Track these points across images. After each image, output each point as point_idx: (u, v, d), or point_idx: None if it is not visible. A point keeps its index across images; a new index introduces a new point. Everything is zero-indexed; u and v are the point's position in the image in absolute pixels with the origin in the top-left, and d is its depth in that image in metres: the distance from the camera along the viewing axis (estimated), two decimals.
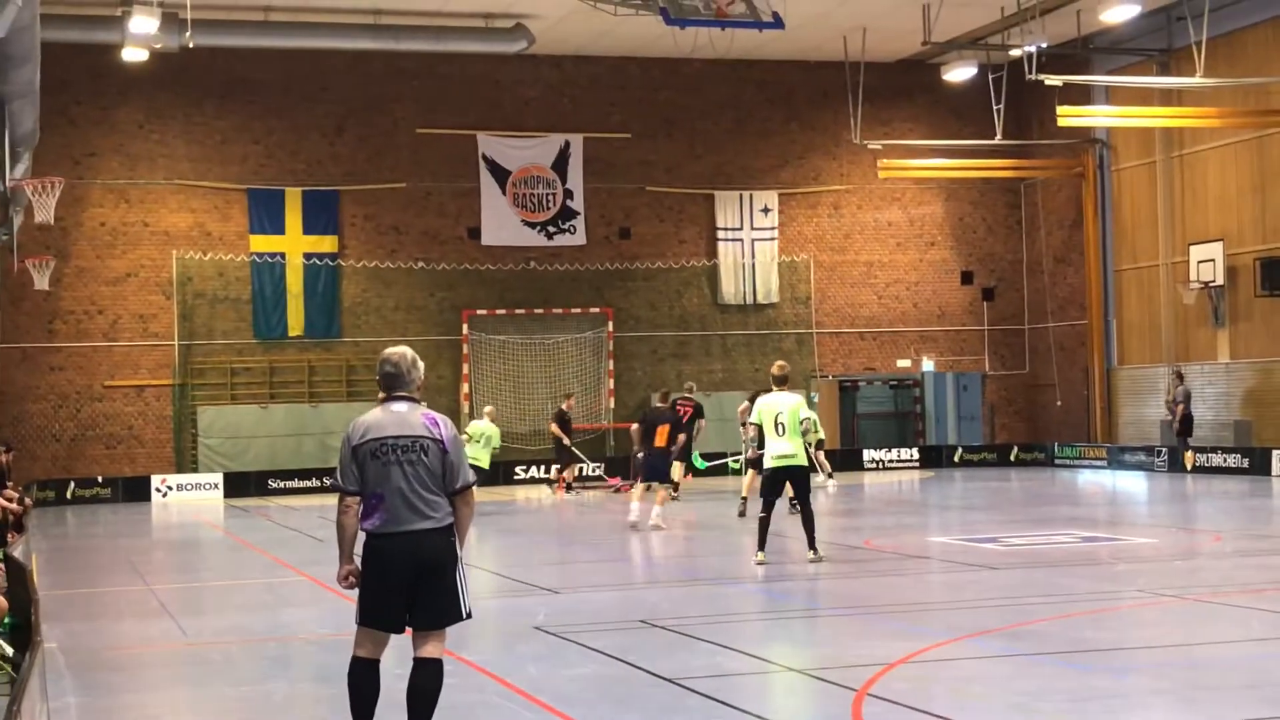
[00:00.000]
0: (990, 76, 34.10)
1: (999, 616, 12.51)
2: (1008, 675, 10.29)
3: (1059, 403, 38.55)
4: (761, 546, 16.50)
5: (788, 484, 16.73)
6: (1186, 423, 32.40)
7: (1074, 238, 38.29)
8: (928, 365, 39.36)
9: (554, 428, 31.45)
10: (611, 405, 36.54)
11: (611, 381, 36.74)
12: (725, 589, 15.34)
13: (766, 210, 38.23)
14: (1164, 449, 33.92)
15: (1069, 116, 31.37)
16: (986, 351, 39.78)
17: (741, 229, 38.11)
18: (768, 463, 16.49)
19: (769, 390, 17.10)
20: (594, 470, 34.85)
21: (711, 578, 16.49)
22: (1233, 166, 33.39)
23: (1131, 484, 30.70)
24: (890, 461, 37.57)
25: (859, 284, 39.27)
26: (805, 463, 16.53)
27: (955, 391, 38.61)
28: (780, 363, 17.30)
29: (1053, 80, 30.40)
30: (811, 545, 16.57)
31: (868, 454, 37.71)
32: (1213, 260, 33.22)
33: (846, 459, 36.96)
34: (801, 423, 16.54)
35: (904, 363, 39.39)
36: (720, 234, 38.03)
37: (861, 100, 34.85)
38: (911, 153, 36.48)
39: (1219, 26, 31.23)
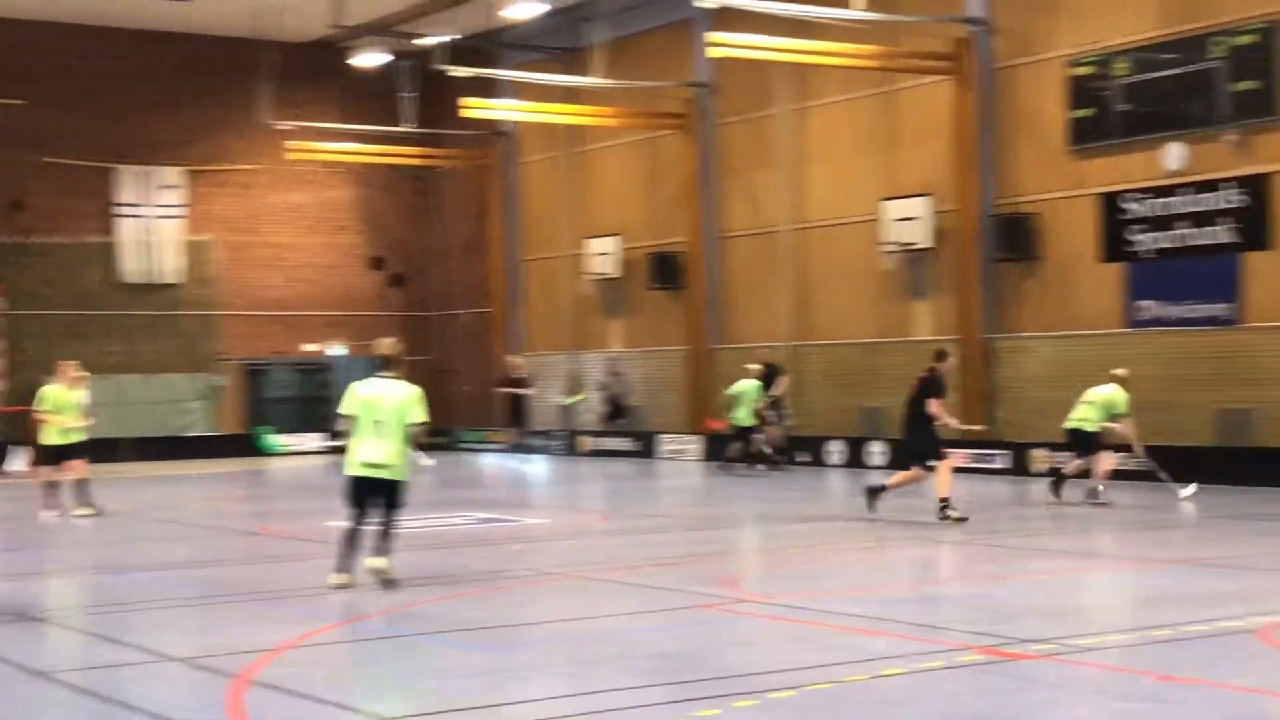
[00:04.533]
0: (401, 65, 34.33)
1: (389, 599, 12.62)
2: (392, 656, 10.39)
3: (465, 388, 39.36)
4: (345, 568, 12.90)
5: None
6: (619, 408, 33.97)
7: (481, 227, 39.18)
8: (338, 350, 39.26)
9: None
10: (2, 387, 34.39)
11: (3, 362, 34.55)
12: (114, 579, 14.75)
13: (171, 187, 37.01)
14: (563, 433, 35.30)
15: (474, 109, 32.03)
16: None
17: (143, 205, 36.73)
18: (349, 468, 12.86)
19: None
20: None
21: (104, 569, 15.81)
22: (629, 164, 35.10)
23: (532, 467, 31.76)
24: (297, 447, 37.27)
25: (268, 266, 38.70)
26: (402, 476, 12.81)
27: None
28: (389, 340, 13.65)
29: (459, 72, 30.96)
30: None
31: (277, 439, 37.33)
32: (609, 254, 34.82)
33: (251, 444, 36.65)
34: (410, 426, 12.83)
35: (312, 346, 39.12)
36: (120, 209, 36.51)
37: (272, 80, 34.33)
38: (321, 135, 36.24)
39: (620, 29, 32.75)
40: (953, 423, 18.50)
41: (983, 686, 8.89)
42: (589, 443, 34.38)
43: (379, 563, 12.72)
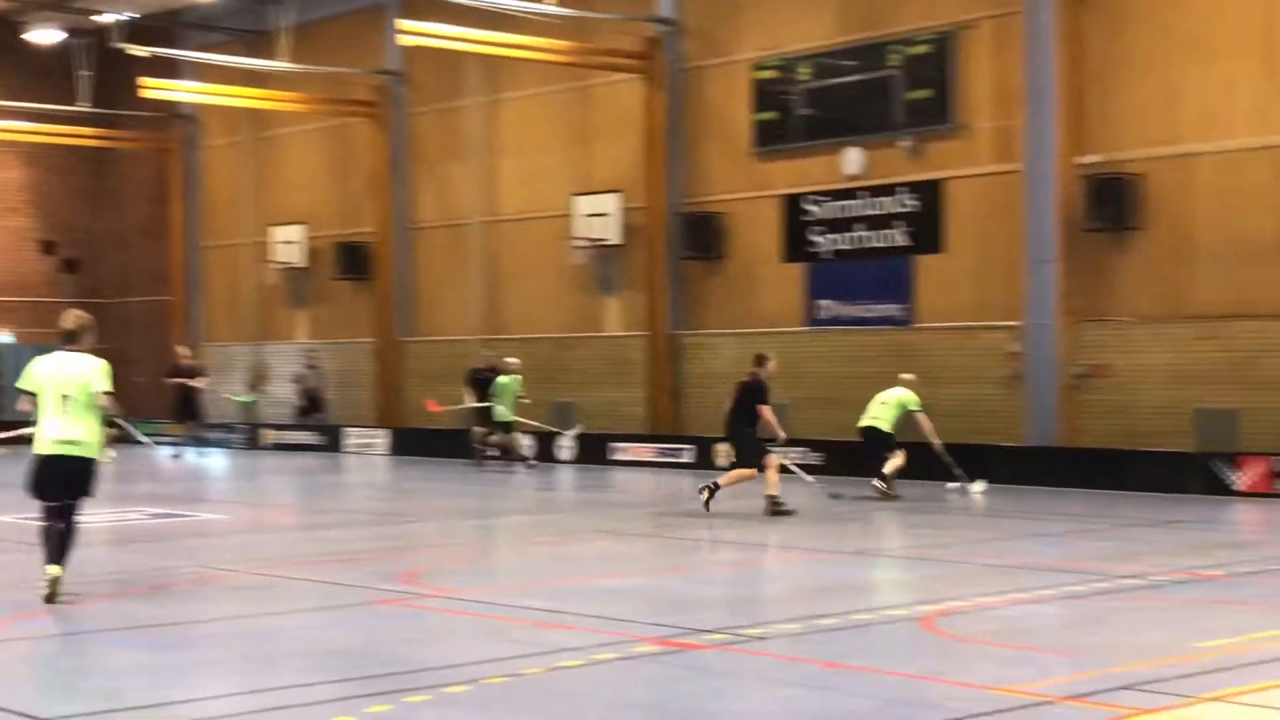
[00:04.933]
0: (77, 42, 32.98)
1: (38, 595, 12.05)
2: (59, 655, 9.98)
3: (140, 379, 38.01)
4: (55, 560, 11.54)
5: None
6: (315, 401, 33.01)
7: (161, 212, 37.95)
8: (6, 337, 37.52)
9: None
10: None
11: None
12: None
13: None
14: (245, 426, 34.47)
15: (153, 89, 31.01)
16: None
17: None
18: (38, 447, 11.63)
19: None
20: None
21: None
22: (315, 151, 34.49)
23: (213, 461, 30.89)
24: None
25: None
26: (95, 454, 11.70)
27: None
28: (76, 313, 11.95)
29: (137, 51, 29.87)
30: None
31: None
32: (294, 242, 34.15)
33: None
34: (97, 397, 11.55)
35: None
36: None
37: None
38: None
39: (309, 13, 32.14)
40: (780, 435, 18.52)
41: (654, 677, 8.99)
42: (272, 436, 33.64)
43: (55, 570, 11.47)
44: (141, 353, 38.24)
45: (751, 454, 18.33)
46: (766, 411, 18.17)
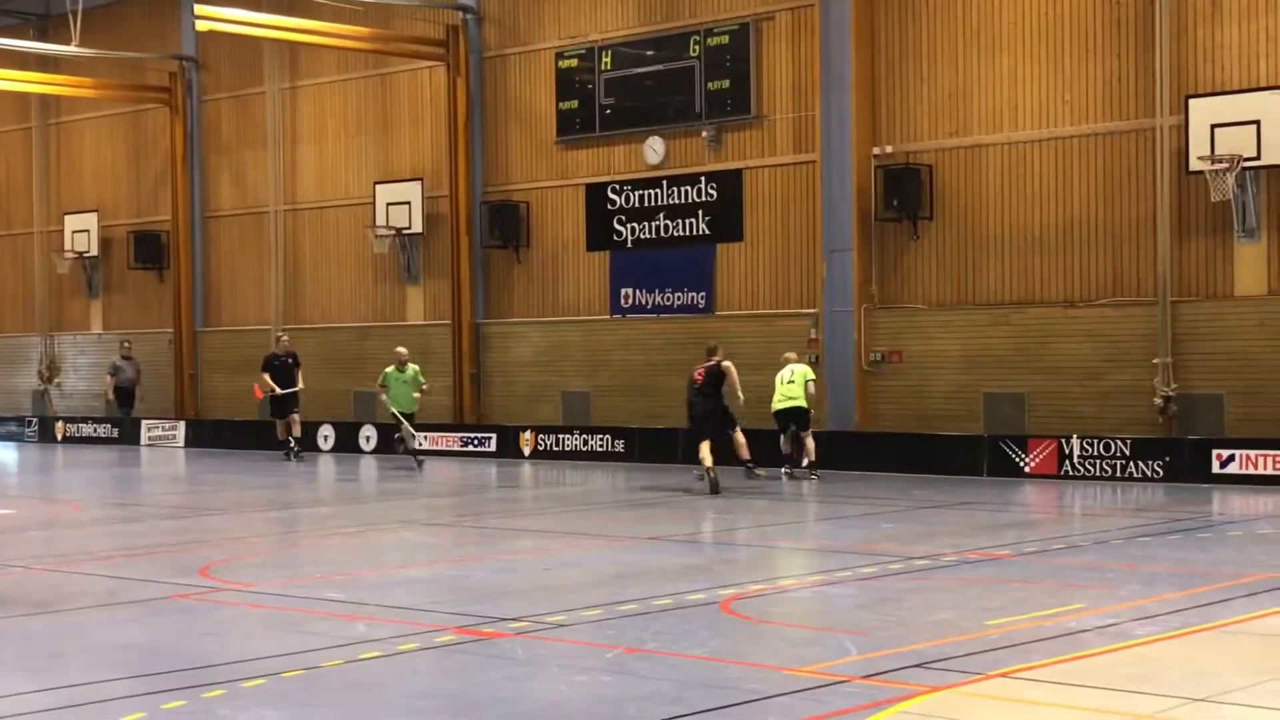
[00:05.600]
0: None
1: None
2: None
3: None
4: None
5: None
6: (127, 394, 31.76)
7: None
8: None
9: None
10: None
11: None
12: None
13: None
14: (35, 419, 33.51)
15: None
16: None
17: None
18: None
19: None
20: None
21: None
22: (109, 139, 33.64)
23: (2, 454, 29.98)
24: None
25: None
26: None
27: None
28: None
29: None
30: None
31: None
32: (87, 231, 33.28)
33: None
34: None
35: None
36: None
37: None
38: None
39: None
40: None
41: (456, 665, 8.99)
42: (65, 429, 32.73)
43: None
44: None
45: (730, 423, 20.31)
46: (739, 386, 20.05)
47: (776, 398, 21.23)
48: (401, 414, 24.24)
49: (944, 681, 8.21)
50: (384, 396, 24.40)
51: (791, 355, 21.61)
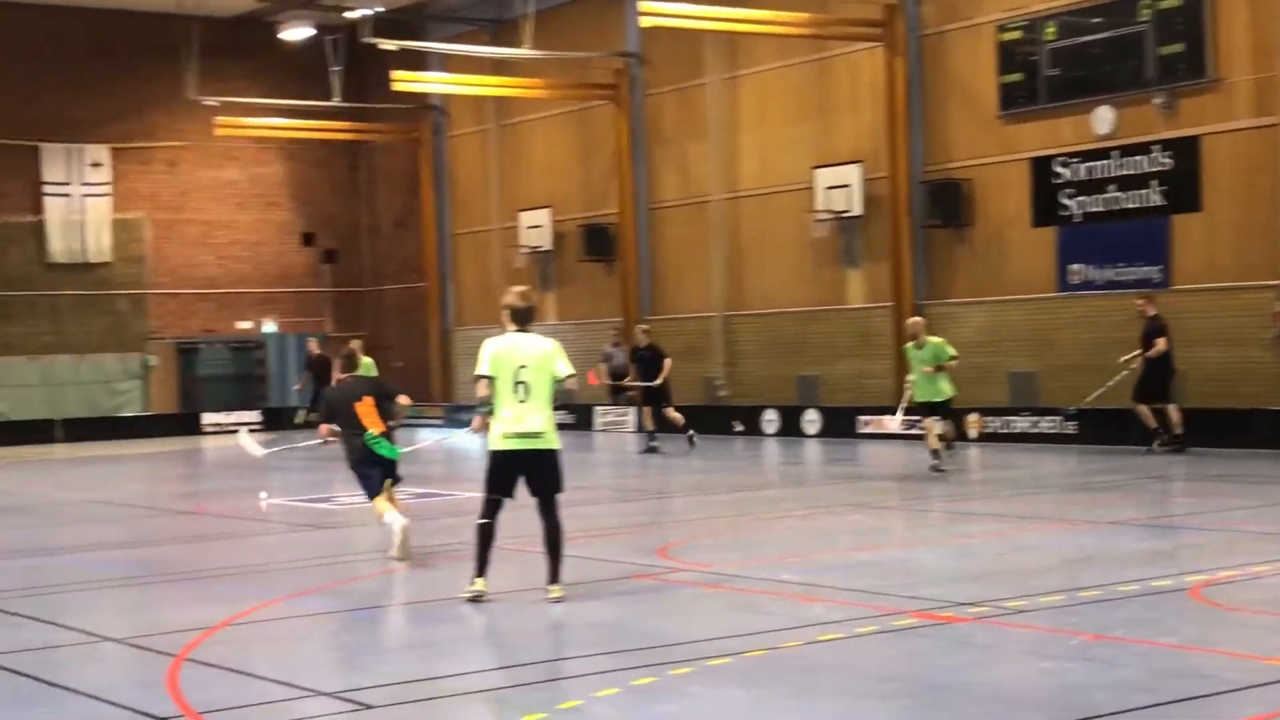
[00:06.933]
0: (327, 38, 34.03)
1: (322, 575, 12.53)
2: (330, 631, 10.36)
3: (400, 364, 39.15)
4: (481, 571, 10.82)
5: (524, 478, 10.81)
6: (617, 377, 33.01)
7: (412, 202, 38.97)
8: (270, 327, 39.01)
9: None
10: None
11: None
12: (43, 561, 14.58)
13: (98, 165, 36.60)
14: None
15: (403, 82, 31.81)
16: (329, 314, 39.85)
17: (70, 184, 36.31)
18: (496, 443, 10.63)
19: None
20: None
21: (36, 551, 15.62)
22: (559, 137, 34.98)
23: (468, 441, 31.52)
24: (231, 425, 36.90)
25: (197, 244, 38.37)
26: (557, 444, 10.71)
27: (298, 353, 38.46)
28: (521, 289, 11.05)
29: (387, 45, 30.74)
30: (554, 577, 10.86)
31: (207, 417, 37.04)
32: (541, 226, 34.71)
33: (186, 423, 36.51)
34: (564, 380, 10.69)
35: (245, 324, 38.86)
36: (47, 189, 36.09)
37: (199, 56, 33.93)
38: (250, 111, 35.88)
39: (546, 1, 32.57)
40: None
41: (916, 649, 8.95)
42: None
43: (556, 591, 10.75)
44: (396, 339, 39.43)
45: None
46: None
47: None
48: (922, 404, 20.29)
49: None
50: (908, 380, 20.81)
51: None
